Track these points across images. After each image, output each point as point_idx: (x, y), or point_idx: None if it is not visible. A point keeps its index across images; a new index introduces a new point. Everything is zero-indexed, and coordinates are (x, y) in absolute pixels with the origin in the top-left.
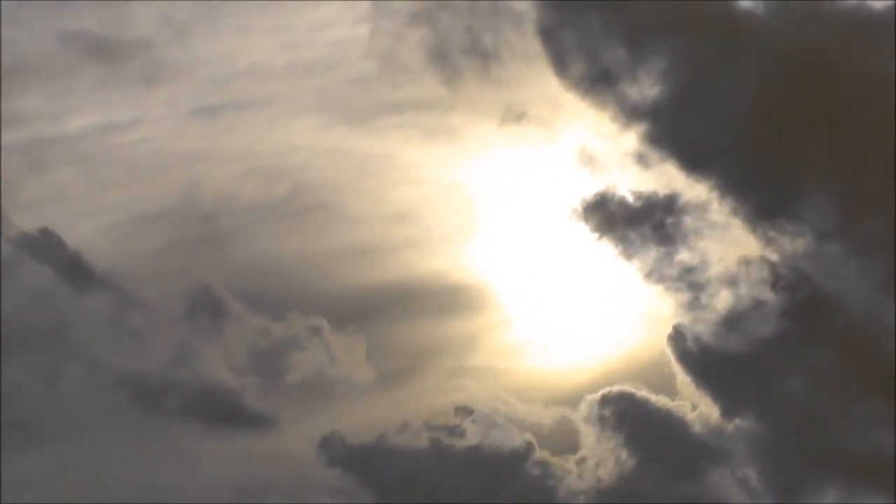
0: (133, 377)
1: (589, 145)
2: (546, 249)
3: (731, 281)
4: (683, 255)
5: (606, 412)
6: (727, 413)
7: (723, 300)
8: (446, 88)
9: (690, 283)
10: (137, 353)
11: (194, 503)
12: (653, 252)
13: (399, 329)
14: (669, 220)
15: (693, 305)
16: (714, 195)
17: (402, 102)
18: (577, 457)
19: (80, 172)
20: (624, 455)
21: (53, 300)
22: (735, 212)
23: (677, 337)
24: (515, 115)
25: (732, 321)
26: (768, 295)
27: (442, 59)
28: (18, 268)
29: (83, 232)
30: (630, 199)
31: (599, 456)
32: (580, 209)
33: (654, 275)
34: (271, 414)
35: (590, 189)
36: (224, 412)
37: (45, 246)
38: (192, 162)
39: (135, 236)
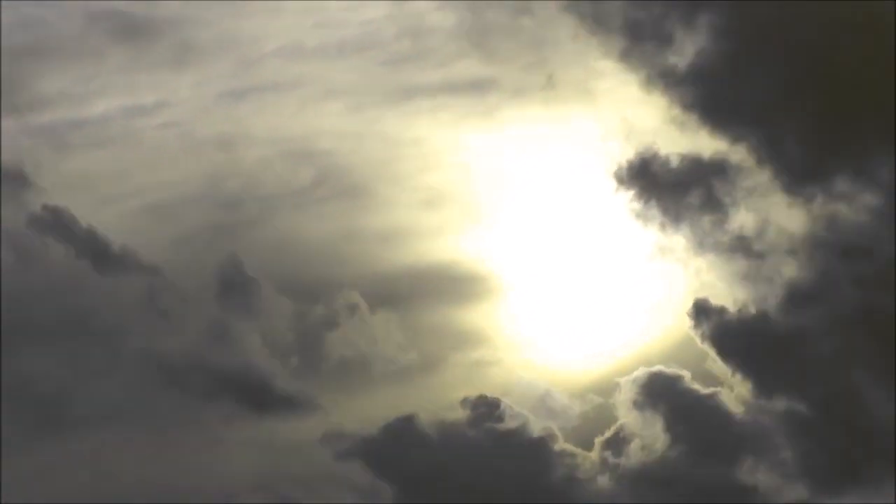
0: (164, 360)
1: (629, 112)
2: (578, 234)
3: (793, 250)
4: (736, 223)
5: (644, 394)
6: (763, 393)
7: (786, 270)
8: (482, 68)
9: (747, 252)
10: (168, 336)
11: (223, 485)
12: (702, 220)
13: (427, 314)
14: (718, 185)
15: (752, 277)
16: (764, 158)
17: (434, 84)
18: (613, 439)
19: (104, 156)
20: (664, 436)
21: (79, 283)
22: (789, 176)
23: (698, 312)
24: (552, 86)
25: (800, 294)
26: (836, 264)
27: (479, 39)
28: (42, 251)
29: (106, 216)
30: (675, 162)
31: (642, 437)
32: (623, 173)
33: (705, 244)
34: (304, 396)
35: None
36: (256, 394)
37: (68, 229)
38: (217, 146)
39: (159, 221)
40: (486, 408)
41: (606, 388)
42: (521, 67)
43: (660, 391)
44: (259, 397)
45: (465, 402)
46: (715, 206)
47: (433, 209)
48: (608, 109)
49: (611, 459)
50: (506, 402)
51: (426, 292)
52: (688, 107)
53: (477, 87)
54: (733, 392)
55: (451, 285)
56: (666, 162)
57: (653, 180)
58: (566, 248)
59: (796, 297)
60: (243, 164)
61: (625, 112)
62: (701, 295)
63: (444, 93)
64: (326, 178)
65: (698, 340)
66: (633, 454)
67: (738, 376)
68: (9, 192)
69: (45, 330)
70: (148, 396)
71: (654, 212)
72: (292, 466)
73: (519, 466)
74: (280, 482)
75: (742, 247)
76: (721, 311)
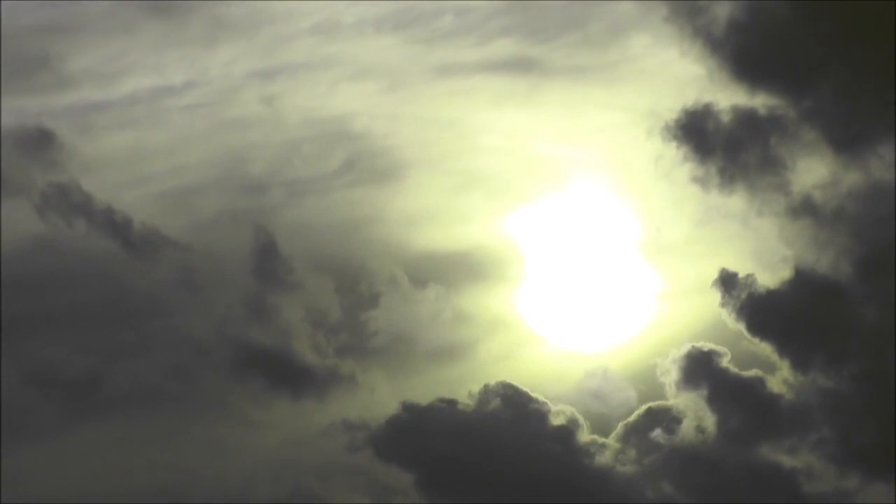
0: (198, 341)
1: (674, 77)
2: (618, 219)
3: (860, 213)
4: (795, 183)
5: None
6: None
7: (852, 234)
8: (523, 47)
9: (809, 213)
10: (202, 316)
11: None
12: (759, 179)
13: (453, 299)
14: (775, 142)
15: (817, 241)
16: (824, 114)
17: (472, 63)
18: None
19: (128, 138)
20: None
21: (108, 264)
22: (851, 132)
23: (725, 282)
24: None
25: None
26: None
27: (521, 16)
28: (68, 233)
29: (131, 198)
30: (730, 117)
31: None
32: (674, 128)
33: (765, 205)
34: (334, 376)
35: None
36: (290, 374)
37: (95, 210)
38: (244, 129)
39: (183, 205)
40: (510, 394)
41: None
42: (562, 45)
43: (700, 370)
44: (292, 377)
45: (486, 388)
46: (773, 164)
47: (465, 193)
48: (652, 83)
49: (663, 440)
50: (526, 388)
51: (452, 277)
52: (732, 67)
53: (516, 66)
54: (776, 376)
55: (480, 270)
56: (718, 116)
57: (707, 137)
58: (606, 232)
59: (861, 262)
60: (271, 146)
61: (669, 78)
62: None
63: (482, 72)
64: (356, 163)
65: (726, 315)
66: (685, 434)
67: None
68: (33, 171)
69: (73, 313)
70: (181, 378)
71: (711, 173)
72: (308, 453)
73: (546, 453)
74: (298, 467)
75: (802, 208)
76: (748, 282)
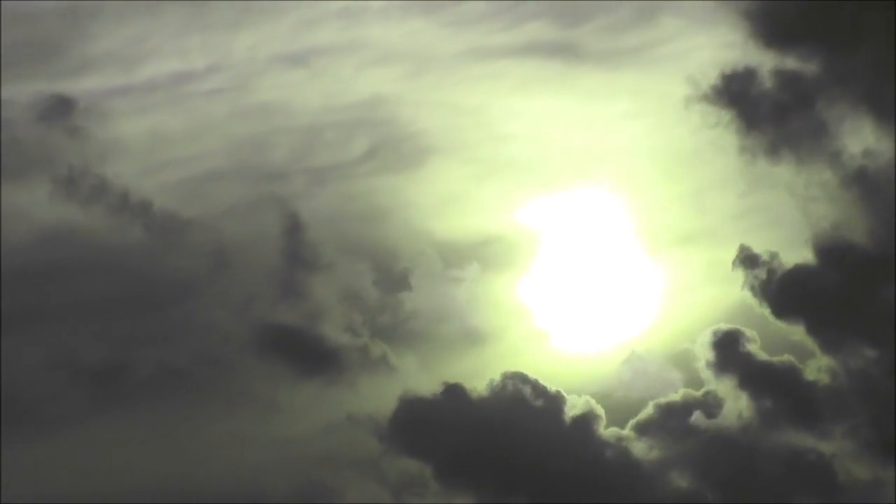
0: (227, 329)
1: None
2: (649, 207)
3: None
4: (845, 150)
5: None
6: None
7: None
8: (552, 31)
9: (860, 182)
10: (231, 302)
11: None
12: (806, 144)
13: (481, 285)
14: (821, 107)
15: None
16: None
17: (500, 48)
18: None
19: (148, 124)
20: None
21: (132, 251)
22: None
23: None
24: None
25: None
26: None
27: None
28: (91, 219)
29: (150, 185)
30: (772, 80)
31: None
32: (715, 92)
33: (812, 178)
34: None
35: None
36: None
37: (116, 197)
38: (266, 114)
39: (203, 192)
40: (521, 384)
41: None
42: (593, 29)
43: (731, 353)
44: (320, 362)
45: (505, 376)
46: (819, 130)
47: (488, 182)
48: (685, 66)
49: (703, 424)
50: (545, 377)
51: (473, 265)
52: (769, 32)
53: (545, 51)
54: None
55: (501, 258)
56: (761, 81)
57: (751, 100)
58: (632, 220)
59: None
60: (294, 132)
61: (703, 59)
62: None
63: (511, 57)
64: (379, 150)
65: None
66: (726, 418)
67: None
68: (52, 157)
69: (95, 301)
70: (206, 364)
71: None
72: (322, 441)
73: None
74: (314, 455)
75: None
76: (772, 261)
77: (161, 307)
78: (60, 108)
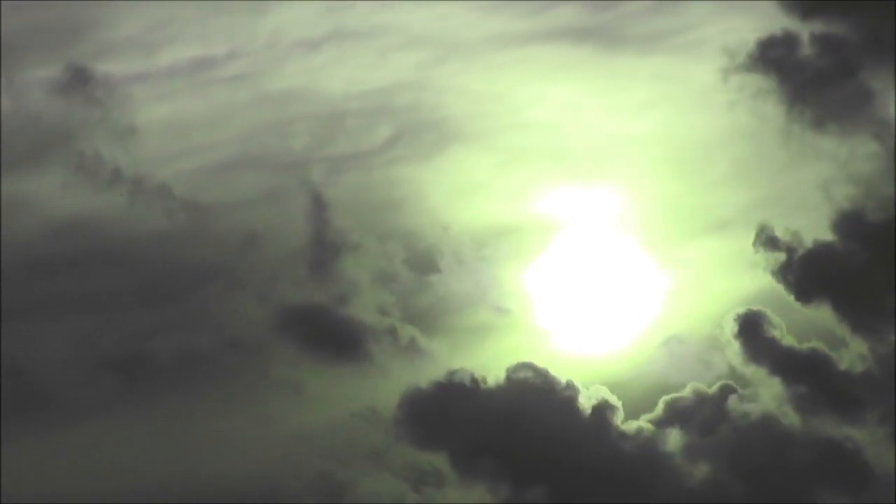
0: (251, 316)
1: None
2: (674, 195)
3: None
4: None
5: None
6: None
7: None
8: (578, 16)
9: None
10: (252, 290)
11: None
12: (850, 113)
13: (501, 274)
14: (866, 73)
15: None
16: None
17: (525, 33)
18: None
19: (168, 110)
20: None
21: (154, 240)
22: None
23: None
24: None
25: None
26: None
27: None
28: (113, 208)
29: (169, 173)
30: (812, 47)
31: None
32: (752, 61)
33: (856, 150)
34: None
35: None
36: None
37: (136, 185)
38: (287, 101)
39: (221, 181)
40: (532, 374)
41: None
42: (622, 15)
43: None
44: (344, 347)
45: (518, 367)
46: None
47: (511, 171)
48: (713, 51)
49: (735, 410)
50: (550, 368)
51: (493, 255)
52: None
53: (573, 36)
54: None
55: (522, 248)
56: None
57: (793, 67)
58: (659, 208)
59: None
60: (314, 119)
61: (733, 43)
62: None
63: (537, 42)
64: (401, 138)
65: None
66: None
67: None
68: (72, 144)
69: (120, 289)
70: (228, 352)
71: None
72: (340, 431)
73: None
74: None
75: None
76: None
77: (183, 295)
78: (78, 83)
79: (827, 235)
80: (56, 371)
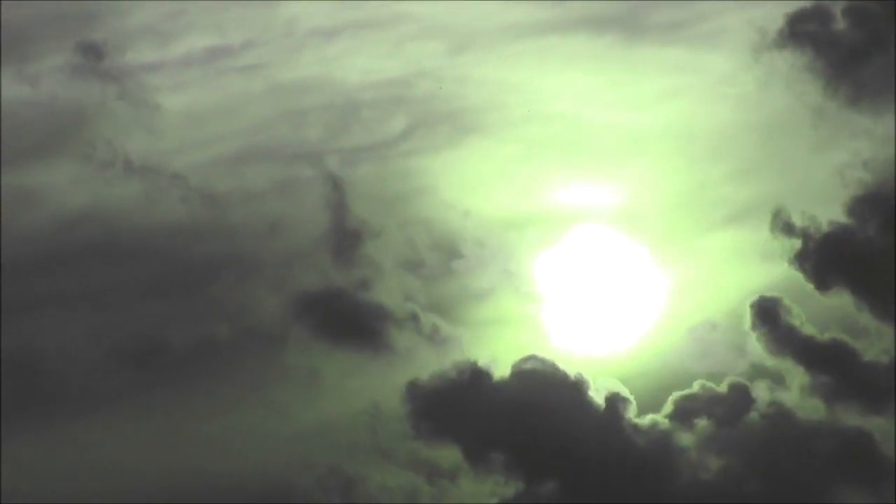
0: (267, 306)
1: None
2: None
3: None
4: None
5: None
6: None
7: None
8: (601, 5)
9: None
10: (268, 280)
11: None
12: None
13: (516, 267)
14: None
15: None
16: None
17: (546, 22)
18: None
19: (182, 101)
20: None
21: (173, 231)
22: None
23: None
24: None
25: None
26: None
27: None
28: (130, 200)
29: (183, 164)
30: (845, 20)
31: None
32: (783, 37)
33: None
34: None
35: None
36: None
37: (152, 175)
38: (302, 92)
39: (235, 172)
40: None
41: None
42: (646, 3)
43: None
44: (364, 338)
45: (530, 359)
46: None
47: (527, 163)
48: (734, 41)
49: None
50: (564, 360)
51: (508, 247)
52: None
53: (593, 25)
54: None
55: (537, 241)
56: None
57: (825, 41)
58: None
59: None
60: (329, 110)
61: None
62: None
63: (557, 32)
64: (417, 129)
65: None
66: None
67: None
68: (85, 137)
69: (138, 281)
70: (243, 344)
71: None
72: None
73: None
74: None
75: None
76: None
77: (199, 286)
78: (92, 74)
79: (844, 219)
80: (71, 363)
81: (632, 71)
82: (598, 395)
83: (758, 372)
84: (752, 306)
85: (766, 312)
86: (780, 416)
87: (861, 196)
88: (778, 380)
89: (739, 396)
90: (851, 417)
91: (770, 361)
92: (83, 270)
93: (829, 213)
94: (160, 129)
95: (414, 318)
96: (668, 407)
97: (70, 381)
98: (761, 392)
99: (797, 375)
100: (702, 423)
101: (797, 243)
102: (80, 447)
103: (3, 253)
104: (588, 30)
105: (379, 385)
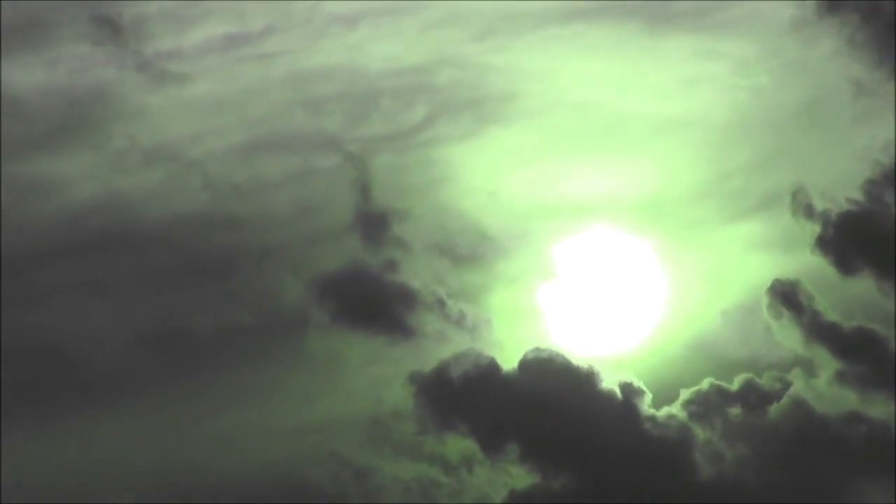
0: (289, 296)
1: None
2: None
3: None
4: None
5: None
6: None
7: None
8: None
9: None
10: (290, 270)
11: None
12: None
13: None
14: None
15: None
16: None
17: (571, 10)
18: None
19: (200, 89)
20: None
21: (183, 220)
22: None
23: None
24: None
25: None
26: None
27: None
28: (141, 188)
29: (201, 152)
30: None
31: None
32: (822, 8)
33: None
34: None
35: None
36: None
37: (171, 163)
38: (322, 79)
39: (256, 160)
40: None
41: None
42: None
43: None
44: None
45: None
46: None
47: (550, 153)
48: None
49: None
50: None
51: (529, 238)
52: None
53: (621, 12)
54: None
55: (558, 233)
56: None
57: None
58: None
59: None
60: (349, 98)
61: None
62: None
63: (578, 19)
64: (438, 117)
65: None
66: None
67: None
68: (105, 125)
69: (160, 269)
70: (264, 333)
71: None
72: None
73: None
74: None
75: None
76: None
77: (221, 273)
78: (109, 42)
79: (864, 201)
80: (93, 351)
81: (656, 59)
82: (614, 386)
83: (784, 360)
84: (770, 291)
85: (785, 297)
86: (802, 408)
87: (880, 177)
88: (809, 368)
89: (751, 391)
90: (879, 408)
91: (799, 349)
92: (104, 258)
93: (851, 195)
94: (179, 116)
95: (440, 302)
96: (691, 394)
97: (93, 367)
98: (774, 384)
99: (827, 363)
100: (720, 417)
101: (818, 228)
102: (102, 435)
103: (23, 242)
104: (612, 17)
105: (402, 373)
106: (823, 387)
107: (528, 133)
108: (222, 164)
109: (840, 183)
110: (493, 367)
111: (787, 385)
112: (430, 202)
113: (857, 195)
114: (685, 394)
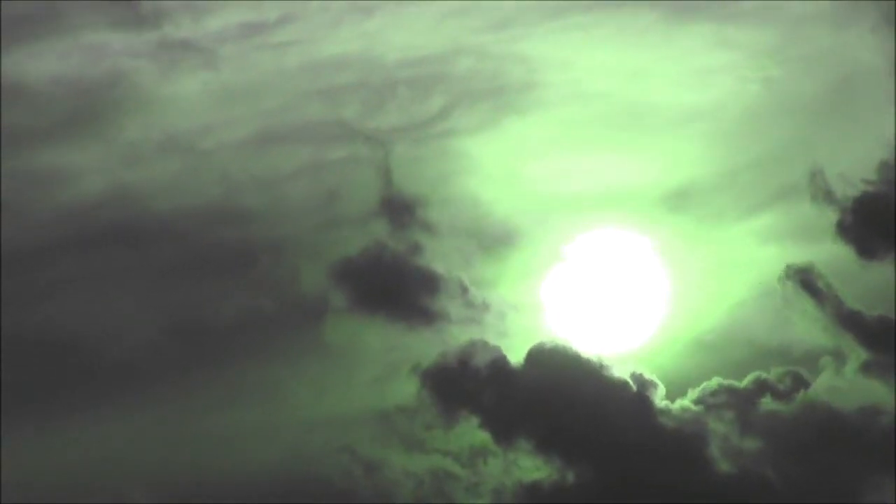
0: (310, 287)
1: None
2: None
3: None
4: None
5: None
6: None
7: None
8: None
9: None
10: (308, 260)
11: None
12: None
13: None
14: None
15: None
16: None
17: None
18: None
19: (217, 78)
20: None
21: (197, 212)
22: None
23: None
24: None
25: None
26: None
27: None
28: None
29: (214, 143)
30: None
31: None
32: None
33: None
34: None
35: None
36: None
37: (187, 154)
38: (338, 69)
39: (271, 150)
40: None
41: None
42: None
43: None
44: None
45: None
46: None
47: (570, 144)
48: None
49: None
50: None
51: (547, 230)
52: None
53: (637, 2)
54: None
55: (575, 225)
56: None
57: None
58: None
59: None
60: (365, 88)
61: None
62: None
63: (598, 8)
64: (455, 107)
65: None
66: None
67: None
68: (115, 115)
69: (179, 260)
70: (281, 327)
71: None
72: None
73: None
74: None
75: None
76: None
77: (239, 263)
78: (126, 50)
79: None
80: (110, 343)
81: (674, 49)
82: (629, 378)
83: (813, 351)
84: (783, 279)
85: (803, 283)
86: (821, 402)
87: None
88: (838, 357)
89: (759, 387)
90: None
91: (824, 340)
92: (118, 251)
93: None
94: (195, 106)
95: (463, 288)
96: (711, 385)
97: (114, 358)
98: (784, 379)
99: (855, 353)
100: (734, 410)
101: (836, 214)
102: (107, 431)
103: (35, 234)
104: (630, 7)
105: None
106: (851, 376)
107: (546, 124)
108: (238, 154)
109: (858, 166)
110: (501, 358)
111: (799, 380)
112: (446, 192)
113: (874, 177)
114: (692, 393)
